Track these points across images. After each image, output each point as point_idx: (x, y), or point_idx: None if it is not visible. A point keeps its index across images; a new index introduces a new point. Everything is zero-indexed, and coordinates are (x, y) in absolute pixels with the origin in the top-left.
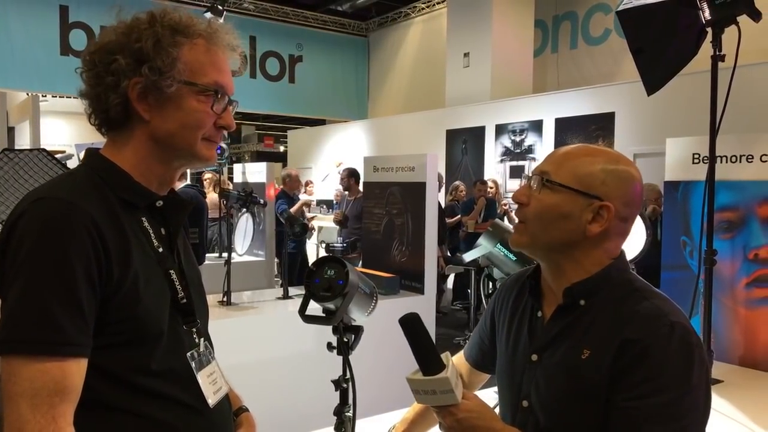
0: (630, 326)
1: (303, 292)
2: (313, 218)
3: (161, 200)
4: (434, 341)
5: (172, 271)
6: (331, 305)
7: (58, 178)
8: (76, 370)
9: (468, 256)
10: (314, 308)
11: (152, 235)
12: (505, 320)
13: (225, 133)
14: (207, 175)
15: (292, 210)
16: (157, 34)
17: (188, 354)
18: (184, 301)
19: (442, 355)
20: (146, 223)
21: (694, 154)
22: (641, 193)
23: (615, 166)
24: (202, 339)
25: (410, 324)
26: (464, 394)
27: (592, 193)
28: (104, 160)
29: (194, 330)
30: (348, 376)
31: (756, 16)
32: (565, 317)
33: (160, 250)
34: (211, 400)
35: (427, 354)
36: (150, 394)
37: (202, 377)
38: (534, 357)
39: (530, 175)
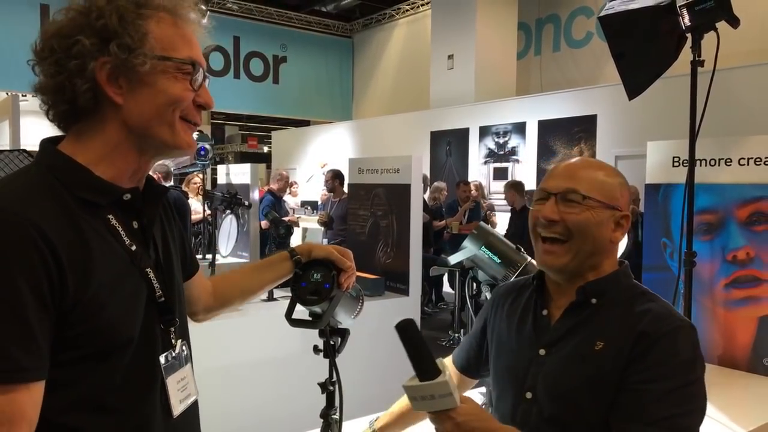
0: (644, 321)
1: (288, 294)
2: (297, 218)
3: (129, 193)
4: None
5: (148, 270)
6: (317, 309)
7: (6, 180)
8: (28, 397)
9: (453, 259)
10: (300, 311)
11: (122, 232)
12: (503, 324)
13: (209, 137)
14: (196, 180)
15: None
16: (120, 8)
17: (161, 356)
18: (162, 299)
19: (437, 360)
20: (114, 221)
21: (674, 157)
22: None
23: (622, 178)
24: (179, 340)
25: (406, 330)
26: (460, 397)
27: (615, 205)
28: (59, 155)
29: (172, 329)
30: (334, 378)
31: (734, 22)
32: (578, 315)
33: (133, 248)
34: (176, 410)
35: (423, 359)
36: (110, 410)
37: (171, 383)
38: (542, 351)
39: (551, 192)
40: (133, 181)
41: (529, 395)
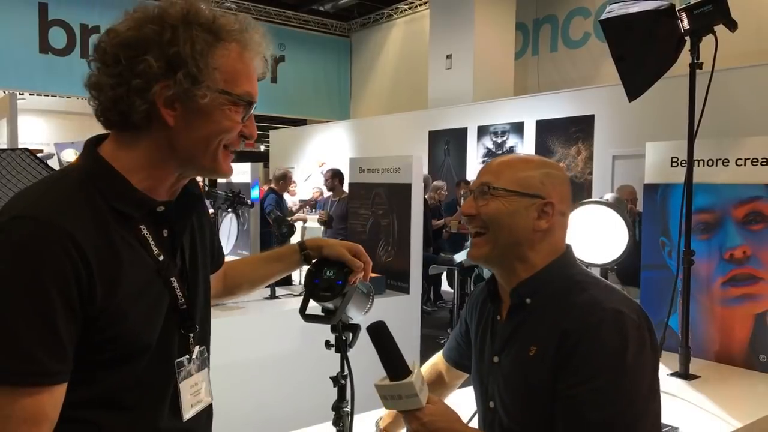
0: (567, 318)
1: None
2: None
3: (162, 205)
4: (418, 343)
5: (173, 279)
6: (330, 305)
7: (44, 187)
8: (50, 398)
9: (458, 257)
10: (313, 307)
11: (151, 243)
12: (474, 326)
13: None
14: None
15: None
16: (194, 38)
17: (177, 361)
18: (185, 307)
19: (410, 362)
20: (145, 231)
21: (672, 157)
22: (571, 191)
23: (548, 169)
24: (197, 346)
25: (376, 332)
26: (429, 398)
27: (534, 193)
28: (101, 163)
29: (191, 335)
30: (346, 372)
31: (732, 26)
32: (516, 318)
33: (161, 258)
34: (187, 413)
35: (393, 360)
36: (124, 408)
37: (184, 387)
38: (495, 359)
39: (471, 189)
40: (168, 193)
41: (491, 405)
